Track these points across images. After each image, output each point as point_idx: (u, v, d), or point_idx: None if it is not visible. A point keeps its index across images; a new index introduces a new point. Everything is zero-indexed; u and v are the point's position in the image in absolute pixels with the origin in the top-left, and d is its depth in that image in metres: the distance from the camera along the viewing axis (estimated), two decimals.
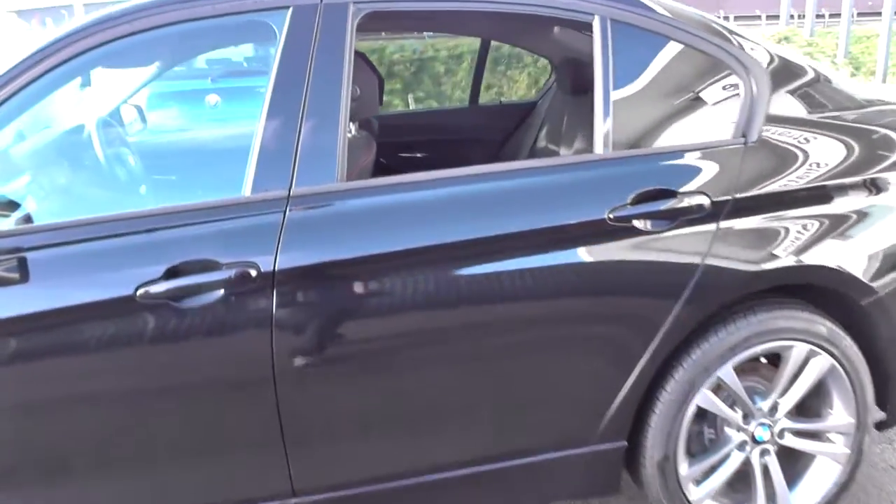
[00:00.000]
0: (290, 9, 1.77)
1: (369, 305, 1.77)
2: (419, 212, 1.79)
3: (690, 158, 1.89)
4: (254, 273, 1.67)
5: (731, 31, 2.01)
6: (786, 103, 1.99)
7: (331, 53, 1.77)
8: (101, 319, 1.65)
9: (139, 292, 1.64)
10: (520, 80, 5.11)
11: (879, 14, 9.52)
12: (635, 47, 1.93)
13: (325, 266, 1.74)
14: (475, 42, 3.48)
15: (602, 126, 1.86)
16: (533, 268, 1.80)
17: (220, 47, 3.99)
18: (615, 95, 1.87)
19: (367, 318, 1.76)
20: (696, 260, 1.83)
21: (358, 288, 1.75)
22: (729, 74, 1.96)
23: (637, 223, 1.80)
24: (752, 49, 1.99)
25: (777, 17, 12.56)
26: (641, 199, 1.81)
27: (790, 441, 2.03)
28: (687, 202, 1.83)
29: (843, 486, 2.09)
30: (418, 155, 3.31)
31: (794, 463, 2.08)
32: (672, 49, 1.94)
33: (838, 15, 10.39)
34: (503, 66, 5.04)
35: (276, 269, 1.68)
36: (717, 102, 1.97)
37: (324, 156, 1.74)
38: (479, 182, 1.83)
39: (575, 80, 2.76)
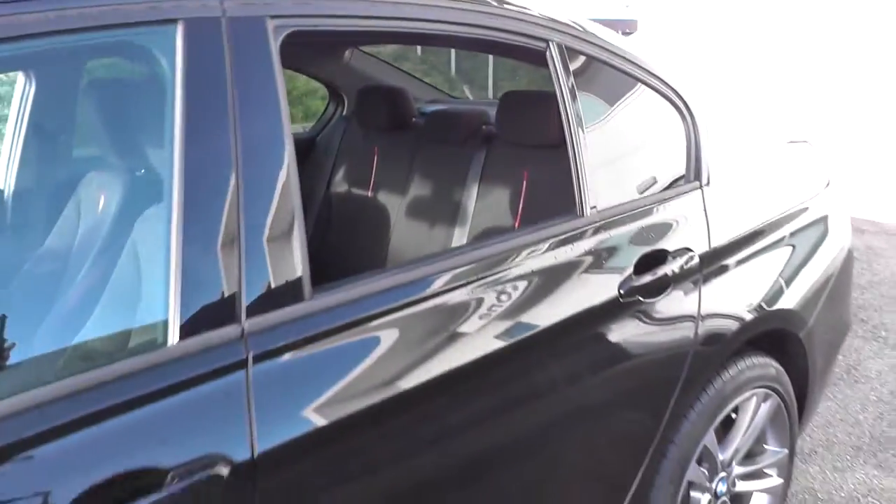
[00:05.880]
0: (180, 24, 1.08)
1: None
2: None
3: (666, 211, 1.73)
4: None
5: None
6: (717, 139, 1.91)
7: (261, 92, 1.14)
8: None
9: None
10: None
11: None
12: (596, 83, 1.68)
13: None
14: None
15: (581, 182, 1.56)
16: (554, 365, 1.50)
17: None
18: (585, 145, 1.57)
19: None
20: (693, 321, 1.71)
21: None
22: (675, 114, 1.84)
23: (641, 296, 1.61)
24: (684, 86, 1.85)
25: None
26: (640, 266, 1.62)
27: (741, 486, 2.03)
28: (681, 261, 1.69)
29: None
30: None
31: None
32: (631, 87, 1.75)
33: None
34: None
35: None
36: (669, 145, 1.83)
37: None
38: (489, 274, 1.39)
39: (392, 115, 2.57)
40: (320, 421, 1.14)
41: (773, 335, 2.00)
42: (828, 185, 2.27)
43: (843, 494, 2.56)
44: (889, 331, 3.86)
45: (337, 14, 1.27)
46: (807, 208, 2.13)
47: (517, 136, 2.13)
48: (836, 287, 2.20)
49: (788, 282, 1.98)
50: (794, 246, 2.04)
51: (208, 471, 1.02)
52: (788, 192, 2.11)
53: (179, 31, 1.08)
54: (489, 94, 11.17)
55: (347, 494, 1.20)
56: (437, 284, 1.32)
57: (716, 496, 1.96)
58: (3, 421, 0.91)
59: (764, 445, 2.12)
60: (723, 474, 1.97)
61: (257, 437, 1.07)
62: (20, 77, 1.64)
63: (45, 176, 1.47)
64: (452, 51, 10.18)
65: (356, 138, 2.77)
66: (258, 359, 1.09)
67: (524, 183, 2.16)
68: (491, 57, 9.88)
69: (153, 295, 1.08)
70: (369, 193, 2.66)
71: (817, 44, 6.46)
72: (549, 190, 1.94)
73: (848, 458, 2.77)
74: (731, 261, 1.83)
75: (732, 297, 1.83)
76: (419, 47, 9.00)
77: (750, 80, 6.80)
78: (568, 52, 1.60)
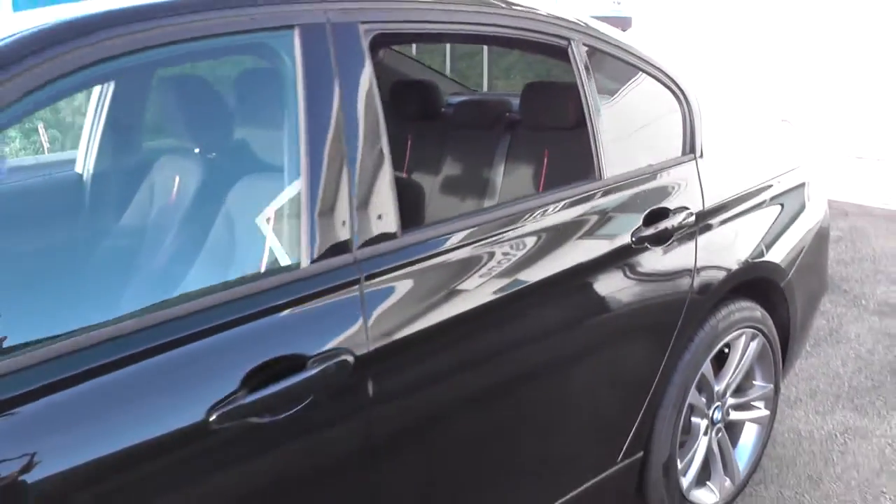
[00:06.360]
0: (296, 29, 1.43)
1: None
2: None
3: (667, 177, 2.07)
4: None
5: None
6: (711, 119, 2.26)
7: (359, 82, 1.50)
8: None
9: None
10: None
11: None
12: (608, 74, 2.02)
13: None
14: None
15: (598, 153, 1.91)
16: (572, 301, 1.85)
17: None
18: (601, 124, 1.93)
19: None
20: (690, 267, 2.04)
21: None
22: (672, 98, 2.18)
23: (648, 243, 1.95)
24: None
25: None
26: (647, 220, 1.97)
27: (734, 416, 2.38)
28: (681, 217, 2.03)
29: (766, 442, 2.53)
30: None
31: (731, 433, 2.41)
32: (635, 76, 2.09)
33: None
34: None
35: None
36: (668, 125, 2.18)
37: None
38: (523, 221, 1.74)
39: (425, 105, 2.95)
40: (413, 325, 1.52)
41: (759, 284, 2.36)
42: (805, 160, 2.63)
43: (823, 432, 2.93)
44: (868, 299, 4.24)
45: (409, 20, 1.65)
46: (787, 179, 2.49)
47: (539, 120, 2.50)
48: (813, 247, 2.56)
49: (771, 239, 2.35)
50: (776, 209, 2.40)
51: (337, 358, 1.38)
52: (770, 165, 2.47)
53: (296, 34, 1.44)
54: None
55: (433, 378, 1.59)
56: (487, 229, 1.69)
57: (713, 423, 2.32)
58: (197, 314, 1.30)
59: (753, 381, 2.48)
60: (718, 404, 2.32)
61: (370, 335, 1.43)
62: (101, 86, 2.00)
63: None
64: (448, 52, 10.40)
65: (389, 127, 3.12)
66: (368, 279, 1.45)
67: (545, 160, 2.53)
68: (486, 57, 10.12)
69: (292, 231, 1.45)
70: (404, 175, 3.00)
71: (806, 37, 6.80)
72: (567, 165, 2.29)
73: (829, 403, 3.14)
74: (720, 219, 2.19)
75: (723, 248, 2.20)
76: (414, 49, 9.33)
77: (740, 70, 7.15)
78: (585, 48, 1.96)
